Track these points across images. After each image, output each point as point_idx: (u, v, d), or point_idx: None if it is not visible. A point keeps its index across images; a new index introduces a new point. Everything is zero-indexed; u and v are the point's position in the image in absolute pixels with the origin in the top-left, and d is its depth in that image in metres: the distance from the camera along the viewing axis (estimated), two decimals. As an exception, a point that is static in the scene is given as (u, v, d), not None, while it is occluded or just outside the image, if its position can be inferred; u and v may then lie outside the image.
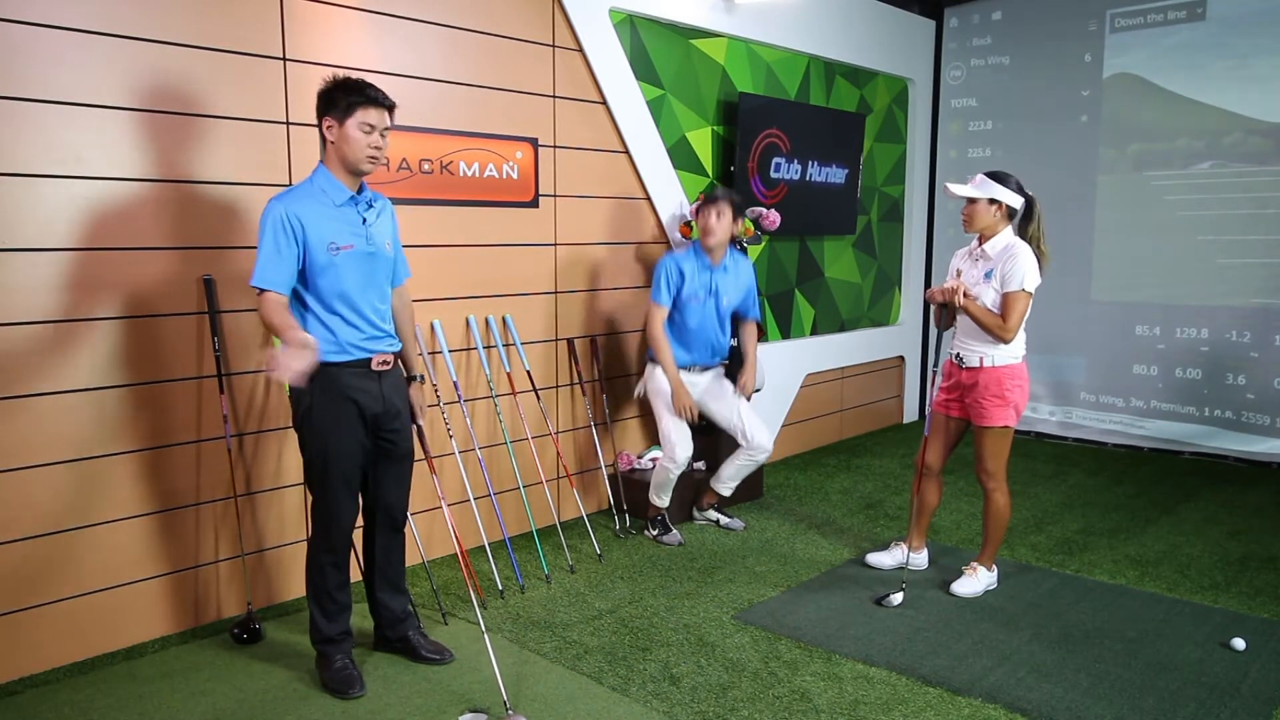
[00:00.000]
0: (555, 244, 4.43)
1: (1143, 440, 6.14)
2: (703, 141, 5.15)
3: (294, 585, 3.61)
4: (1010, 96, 6.61)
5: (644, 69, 4.74)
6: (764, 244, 5.59)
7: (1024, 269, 3.40)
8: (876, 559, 3.96)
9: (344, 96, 2.68)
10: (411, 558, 3.51)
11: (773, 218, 4.91)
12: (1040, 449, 6.24)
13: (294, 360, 2.43)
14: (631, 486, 4.65)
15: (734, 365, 4.52)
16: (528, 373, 4.25)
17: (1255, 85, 5.59)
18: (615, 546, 4.26)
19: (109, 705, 2.82)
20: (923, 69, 6.85)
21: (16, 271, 2.88)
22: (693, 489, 4.63)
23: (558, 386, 4.53)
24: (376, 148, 2.73)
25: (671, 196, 4.95)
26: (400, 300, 3.06)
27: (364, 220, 2.80)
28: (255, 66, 3.33)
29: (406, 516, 3.13)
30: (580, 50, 4.42)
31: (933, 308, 3.68)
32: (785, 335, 5.88)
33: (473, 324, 4.10)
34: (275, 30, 3.37)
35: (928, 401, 3.88)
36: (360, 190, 2.81)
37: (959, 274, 3.63)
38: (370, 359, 2.83)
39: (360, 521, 3.04)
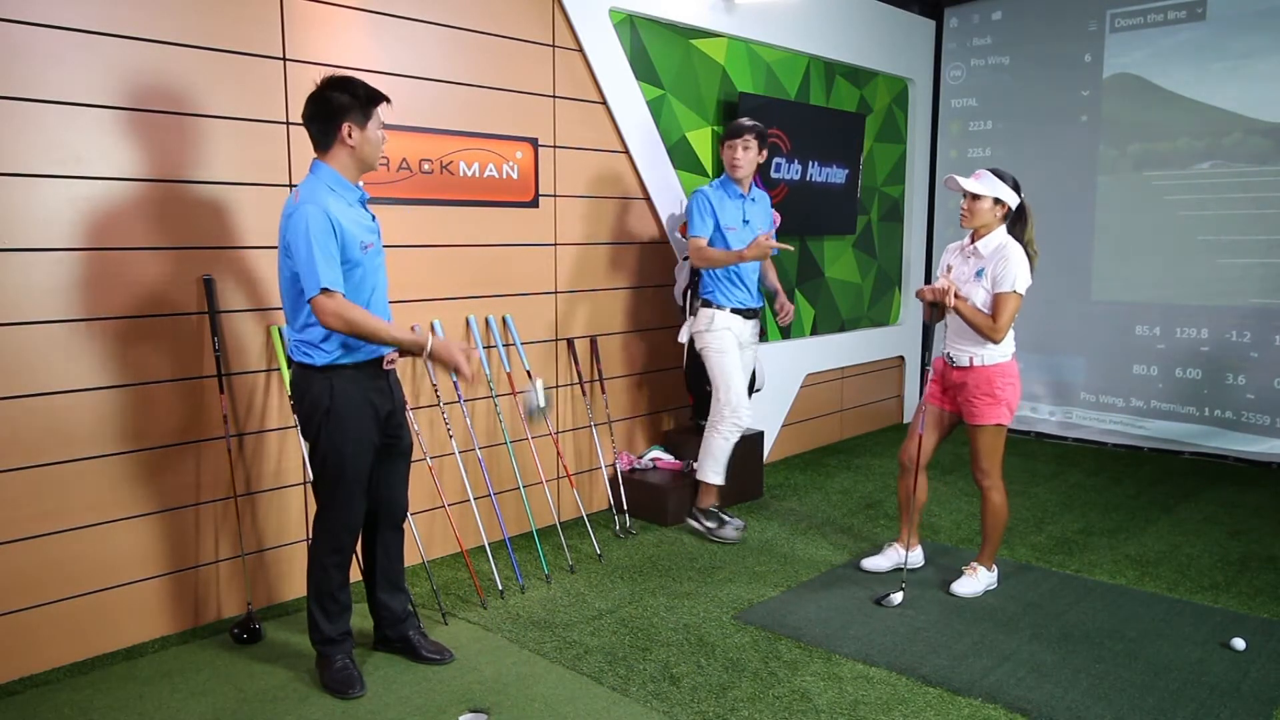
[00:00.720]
0: (555, 244, 4.43)
1: (1143, 440, 6.14)
2: (703, 141, 5.15)
3: (294, 585, 3.61)
4: (1010, 96, 6.61)
5: (644, 69, 4.74)
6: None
7: (1016, 270, 3.40)
8: (872, 563, 3.92)
9: (360, 102, 2.70)
10: (411, 558, 3.51)
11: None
12: (1040, 449, 6.24)
13: (457, 353, 2.72)
14: (631, 486, 4.65)
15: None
16: (528, 373, 4.25)
17: (1255, 85, 5.59)
18: (615, 546, 4.26)
19: (109, 705, 2.82)
20: (923, 69, 6.85)
21: (16, 272, 2.88)
22: (693, 489, 4.63)
23: (558, 386, 4.53)
24: (384, 143, 2.82)
25: (671, 196, 4.95)
26: None
27: (372, 218, 2.85)
28: (255, 66, 3.33)
29: (407, 514, 3.13)
30: (580, 50, 4.42)
31: (922, 304, 3.68)
32: (785, 335, 5.88)
33: (473, 324, 4.10)
34: (275, 30, 3.37)
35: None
36: (359, 186, 2.84)
37: (949, 269, 3.63)
38: (381, 358, 2.86)
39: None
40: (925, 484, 3.84)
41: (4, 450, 2.89)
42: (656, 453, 4.88)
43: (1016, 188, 3.49)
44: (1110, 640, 3.28)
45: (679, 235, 4.88)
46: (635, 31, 4.68)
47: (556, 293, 4.46)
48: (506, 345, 4.21)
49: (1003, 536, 3.74)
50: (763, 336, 5.34)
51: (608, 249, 4.70)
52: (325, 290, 2.59)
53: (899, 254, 6.96)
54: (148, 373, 3.17)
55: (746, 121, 4.23)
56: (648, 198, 4.86)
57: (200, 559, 3.36)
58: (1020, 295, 3.41)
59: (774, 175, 5.49)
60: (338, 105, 2.68)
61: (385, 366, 2.87)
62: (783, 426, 5.80)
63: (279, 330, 3.45)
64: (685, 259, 4.88)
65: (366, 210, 2.82)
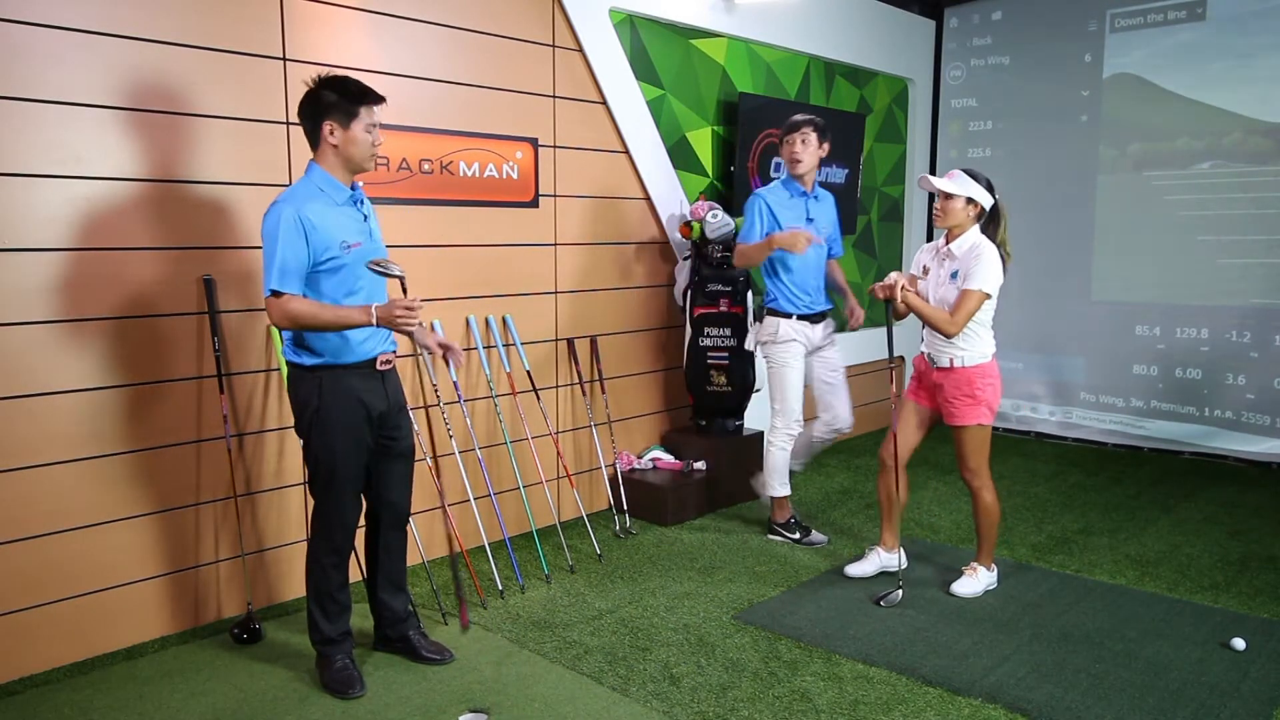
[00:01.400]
0: (555, 244, 4.43)
1: (1143, 440, 6.14)
2: (703, 142, 5.15)
3: (294, 585, 3.61)
4: (1010, 96, 6.61)
5: (644, 69, 4.74)
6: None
7: (986, 270, 3.38)
8: (856, 569, 3.86)
9: (344, 100, 2.67)
10: (411, 558, 3.51)
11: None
12: (1040, 449, 6.24)
13: (400, 313, 2.59)
14: (632, 486, 4.65)
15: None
16: (528, 373, 4.25)
17: (1255, 85, 5.59)
18: (615, 546, 4.26)
19: (109, 705, 2.82)
20: (923, 69, 6.85)
21: (16, 271, 2.88)
22: (693, 489, 4.63)
23: (558, 386, 4.53)
24: (378, 144, 2.76)
25: (671, 196, 4.95)
26: None
27: (365, 217, 2.83)
28: (255, 66, 3.33)
29: (409, 514, 3.13)
30: (580, 50, 4.42)
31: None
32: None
33: (473, 324, 4.10)
34: (275, 30, 3.37)
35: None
36: (353, 188, 2.82)
37: (925, 271, 3.62)
38: (375, 359, 2.84)
39: (361, 521, 3.04)
40: (906, 483, 3.82)
41: (4, 450, 2.89)
42: (656, 453, 4.88)
43: (990, 189, 3.48)
44: (1110, 640, 3.28)
45: (679, 235, 4.88)
46: (635, 31, 4.68)
47: (557, 293, 4.46)
48: (507, 345, 4.22)
49: (999, 534, 3.73)
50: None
51: (608, 249, 4.70)
52: (275, 292, 2.61)
53: (899, 254, 6.96)
54: (148, 373, 3.17)
55: (804, 115, 4.08)
56: (648, 198, 4.86)
57: (200, 559, 3.36)
58: (987, 295, 3.39)
59: (773, 176, 5.48)
60: (322, 103, 2.67)
61: (379, 367, 2.85)
62: (783, 426, 5.80)
63: (280, 330, 3.44)
64: (685, 259, 4.89)
65: (359, 209, 2.80)
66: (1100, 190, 6.23)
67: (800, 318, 4.17)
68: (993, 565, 3.75)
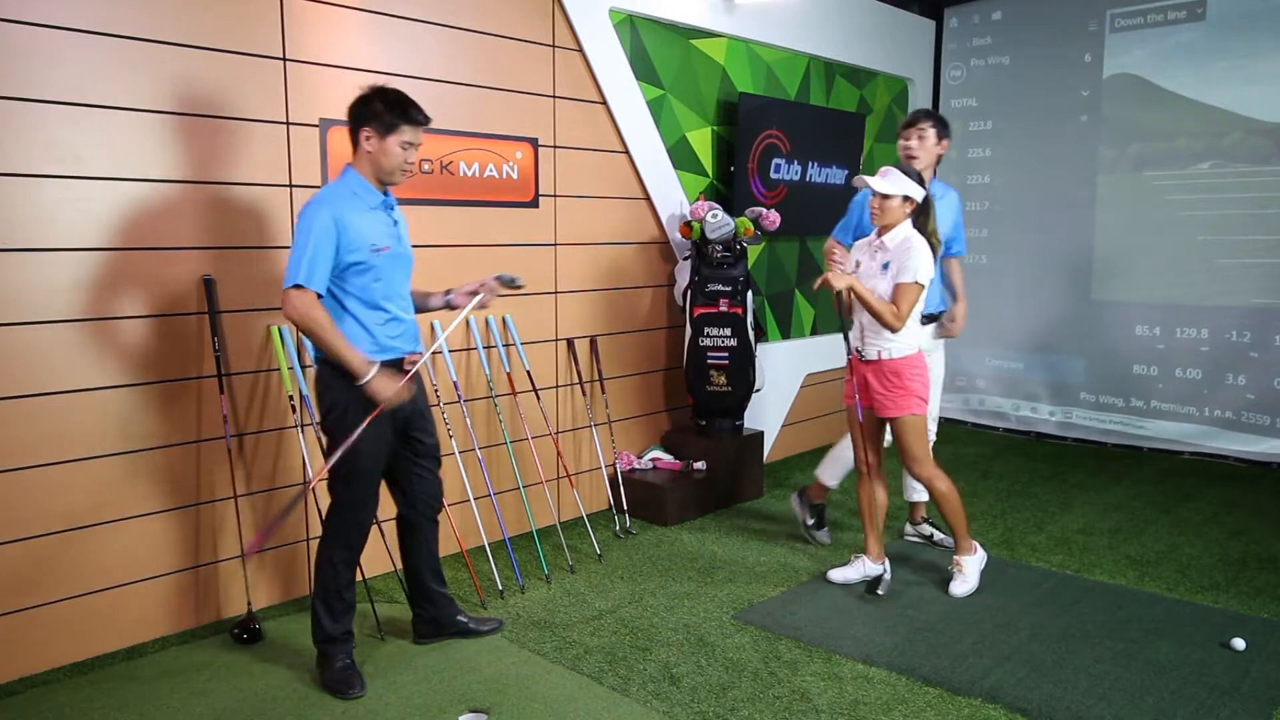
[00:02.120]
0: (555, 244, 4.43)
1: (1142, 440, 6.14)
2: (703, 142, 5.15)
3: (294, 586, 3.61)
4: (1010, 96, 6.61)
5: (644, 69, 4.74)
6: (763, 244, 5.59)
7: (919, 262, 3.43)
8: (840, 574, 3.82)
9: (388, 112, 2.76)
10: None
11: (772, 218, 4.91)
12: (1040, 449, 6.24)
13: (386, 388, 2.73)
14: (631, 486, 4.65)
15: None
16: (528, 373, 4.25)
17: (1255, 85, 5.59)
18: (615, 546, 4.26)
19: (109, 705, 2.82)
20: (923, 69, 6.85)
21: (15, 271, 2.88)
22: (694, 489, 4.63)
23: (557, 386, 4.53)
24: (410, 163, 2.85)
25: (671, 197, 4.95)
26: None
27: (395, 222, 2.92)
28: (255, 66, 3.33)
29: (443, 506, 3.22)
30: (580, 50, 4.42)
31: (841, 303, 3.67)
32: (785, 335, 5.89)
33: (472, 324, 4.10)
34: (275, 30, 3.37)
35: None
36: (385, 194, 2.91)
37: (859, 265, 3.63)
38: (403, 358, 2.90)
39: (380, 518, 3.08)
40: (885, 487, 3.82)
41: (4, 451, 2.89)
42: (656, 453, 4.88)
43: (920, 182, 3.52)
44: (1110, 640, 3.28)
45: (679, 235, 4.88)
46: (635, 31, 4.68)
47: (557, 293, 4.46)
48: (507, 345, 4.22)
49: (966, 517, 3.68)
50: (764, 336, 5.35)
51: (608, 249, 4.70)
52: (298, 285, 2.66)
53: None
54: (148, 373, 3.17)
55: (922, 109, 3.91)
56: (648, 198, 4.86)
57: (200, 559, 3.36)
58: (922, 286, 3.44)
59: (773, 176, 5.49)
60: (367, 110, 2.77)
61: (405, 367, 2.91)
62: (783, 426, 5.80)
63: (279, 330, 3.45)
64: (686, 258, 4.89)
65: (389, 215, 2.89)
66: (1100, 190, 6.23)
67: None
68: (974, 547, 3.74)
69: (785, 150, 5.52)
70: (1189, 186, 5.88)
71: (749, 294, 4.79)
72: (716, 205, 4.79)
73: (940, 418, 6.93)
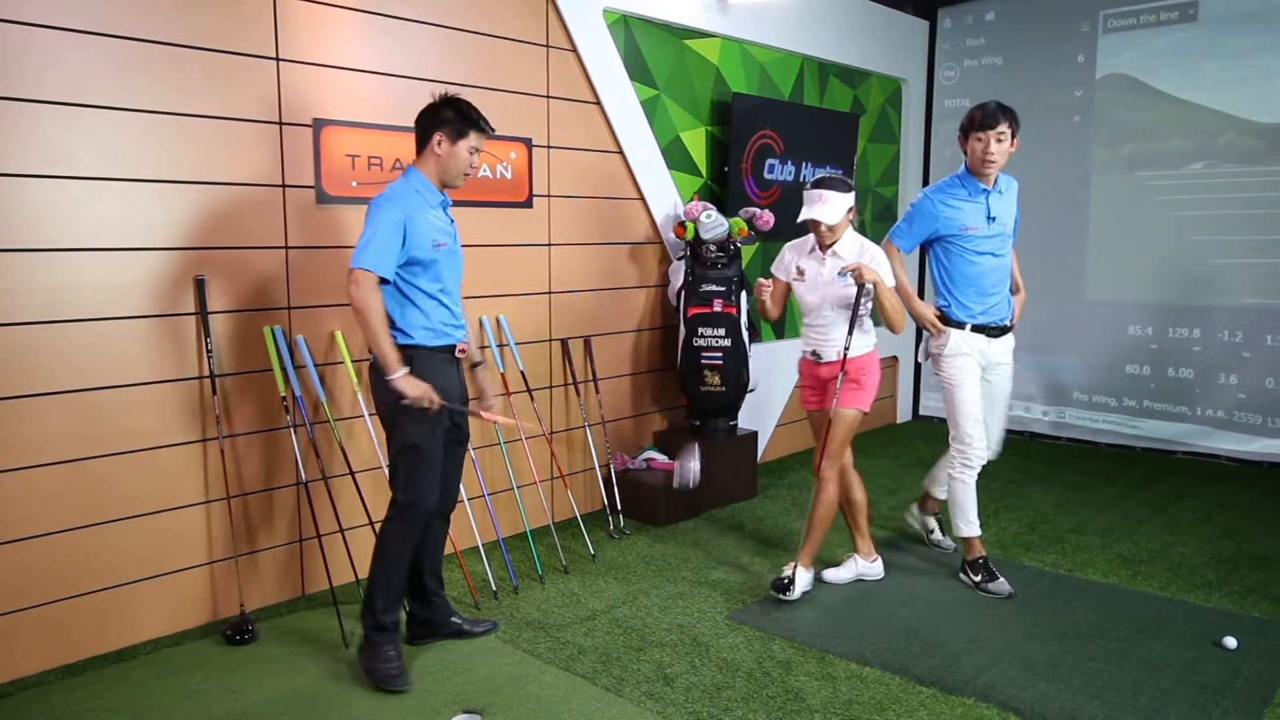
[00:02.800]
0: (549, 244, 4.42)
1: (1135, 440, 6.16)
2: (697, 142, 5.15)
3: (288, 586, 3.60)
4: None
5: (638, 69, 4.74)
6: (757, 244, 5.60)
7: (884, 264, 3.55)
8: (833, 575, 3.81)
9: (459, 120, 2.94)
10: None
11: (766, 218, 4.91)
12: (1033, 448, 6.25)
13: (412, 387, 2.81)
14: (625, 487, 4.65)
15: None
16: (521, 373, 4.25)
17: (1247, 86, 5.61)
18: (609, 547, 4.26)
19: (101, 707, 2.81)
20: (916, 69, 6.86)
21: (12, 271, 2.87)
22: (695, 491, 4.62)
23: (551, 387, 4.52)
24: (474, 167, 3.04)
25: (665, 197, 4.96)
26: None
27: (450, 221, 3.06)
28: (248, 66, 3.32)
29: (458, 501, 3.30)
30: (574, 50, 4.42)
31: (755, 300, 3.73)
32: (780, 335, 5.89)
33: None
34: (268, 30, 3.36)
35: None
36: (444, 194, 3.05)
37: (800, 272, 3.66)
38: (455, 345, 3.04)
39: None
40: (860, 485, 3.82)
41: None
42: (650, 453, 4.87)
43: (848, 183, 3.62)
44: (1103, 639, 3.29)
45: (673, 235, 4.88)
46: (629, 32, 4.68)
47: (550, 293, 4.46)
48: (500, 345, 4.21)
49: (825, 536, 3.67)
50: (758, 336, 5.35)
51: (602, 249, 4.69)
52: (365, 269, 2.80)
53: (893, 254, 6.96)
54: (141, 374, 3.17)
55: (998, 106, 3.60)
56: (642, 198, 4.86)
57: (193, 560, 3.35)
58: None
59: (767, 176, 5.49)
60: (439, 117, 2.94)
61: (457, 355, 3.04)
62: (777, 426, 5.81)
63: (271, 331, 3.44)
64: (680, 258, 4.89)
65: (446, 214, 3.05)
66: (1093, 190, 6.25)
67: (975, 329, 3.66)
68: (811, 566, 3.68)
69: (779, 150, 5.52)
70: (1181, 187, 5.90)
71: (743, 294, 4.80)
72: (710, 205, 4.79)
73: (933, 418, 6.99)
